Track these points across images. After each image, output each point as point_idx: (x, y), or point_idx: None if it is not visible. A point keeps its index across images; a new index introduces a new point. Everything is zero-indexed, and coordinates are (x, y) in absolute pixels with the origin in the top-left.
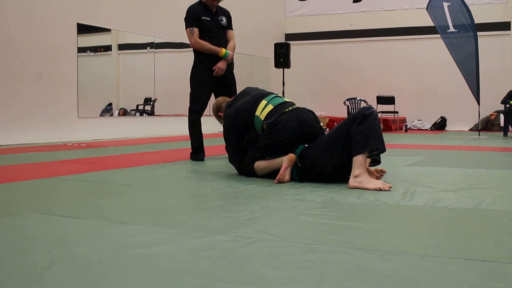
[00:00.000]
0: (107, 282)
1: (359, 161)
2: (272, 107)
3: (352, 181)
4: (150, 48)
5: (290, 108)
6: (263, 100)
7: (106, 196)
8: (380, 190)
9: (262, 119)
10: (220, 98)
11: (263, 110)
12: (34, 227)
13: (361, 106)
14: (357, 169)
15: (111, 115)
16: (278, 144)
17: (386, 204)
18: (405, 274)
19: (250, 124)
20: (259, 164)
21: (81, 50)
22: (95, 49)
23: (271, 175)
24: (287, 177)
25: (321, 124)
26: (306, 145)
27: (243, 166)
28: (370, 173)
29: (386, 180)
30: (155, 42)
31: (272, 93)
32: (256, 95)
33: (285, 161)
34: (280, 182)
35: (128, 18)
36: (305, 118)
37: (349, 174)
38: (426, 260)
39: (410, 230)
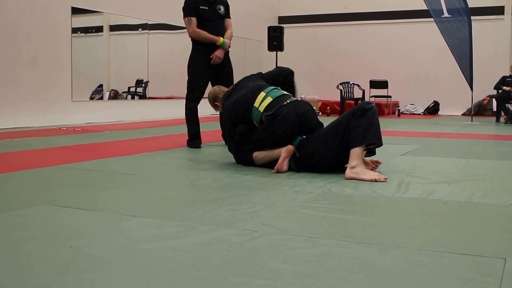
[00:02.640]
0: (131, 276)
1: (356, 153)
2: (272, 99)
3: (348, 172)
4: (143, 30)
5: (288, 101)
6: (262, 92)
7: (112, 187)
8: (376, 181)
9: (261, 110)
10: (216, 88)
11: (262, 102)
12: (49, 220)
13: (354, 90)
14: (354, 161)
15: (101, 96)
16: (276, 137)
17: (382, 196)
18: (402, 268)
19: (248, 116)
20: (258, 155)
21: (72, 31)
22: (86, 30)
23: (269, 164)
24: (285, 167)
25: (314, 108)
26: (304, 137)
27: (242, 156)
28: (366, 164)
29: (381, 170)
30: (148, 23)
31: (269, 86)
32: (254, 87)
33: (284, 151)
34: (278, 171)
35: (123, 0)
36: (303, 111)
37: (345, 163)
38: (421, 254)
39: (406, 224)
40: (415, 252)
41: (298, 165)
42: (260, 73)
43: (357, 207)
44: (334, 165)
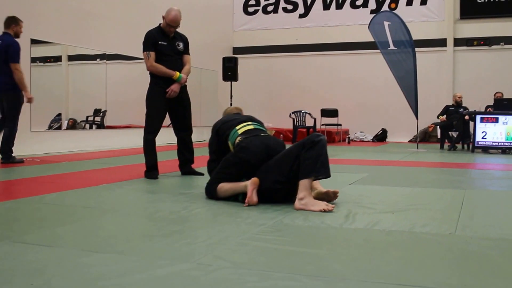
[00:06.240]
0: None
1: (304, 185)
2: (253, 127)
3: (297, 204)
4: (101, 60)
5: (263, 134)
6: (249, 122)
7: (71, 221)
8: (325, 211)
9: (239, 133)
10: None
11: (243, 127)
12: (9, 257)
13: (305, 119)
14: (302, 192)
15: (60, 125)
16: (242, 163)
17: (330, 227)
18: None
19: (227, 133)
20: (223, 186)
21: (30, 60)
22: (45, 60)
23: (229, 197)
24: (255, 198)
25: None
26: None
27: (209, 183)
28: (327, 195)
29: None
30: (107, 53)
31: (257, 122)
32: (246, 117)
33: (250, 184)
34: (249, 204)
35: (80, 33)
36: (272, 144)
37: (294, 193)
38: (365, 286)
39: (352, 255)
40: (359, 284)
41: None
42: None
43: (306, 239)
44: (283, 192)
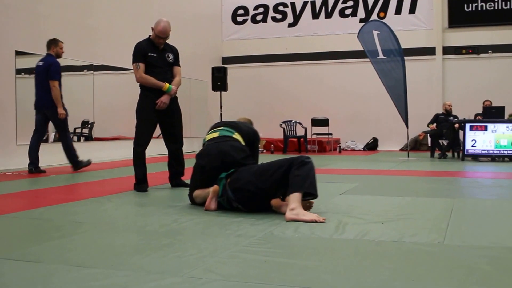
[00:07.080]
0: None
1: (296, 197)
2: (217, 135)
3: (289, 214)
4: (88, 71)
5: (223, 142)
6: (217, 129)
7: (60, 237)
8: (316, 222)
9: (206, 141)
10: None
11: (210, 134)
12: (1, 274)
13: (296, 128)
14: (293, 203)
15: (47, 138)
16: (201, 169)
17: (321, 238)
18: None
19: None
20: (196, 192)
21: (16, 72)
22: (30, 71)
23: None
24: (212, 206)
25: (259, 145)
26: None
27: (189, 193)
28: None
29: (320, 209)
30: (93, 64)
31: (228, 126)
32: (217, 125)
33: (211, 192)
34: (207, 210)
35: (67, 43)
36: (224, 150)
37: (269, 203)
38: None
39: (341, 266)
40: None
41: (224, 191)
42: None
43: (296, 250)
44: (257, 198)
